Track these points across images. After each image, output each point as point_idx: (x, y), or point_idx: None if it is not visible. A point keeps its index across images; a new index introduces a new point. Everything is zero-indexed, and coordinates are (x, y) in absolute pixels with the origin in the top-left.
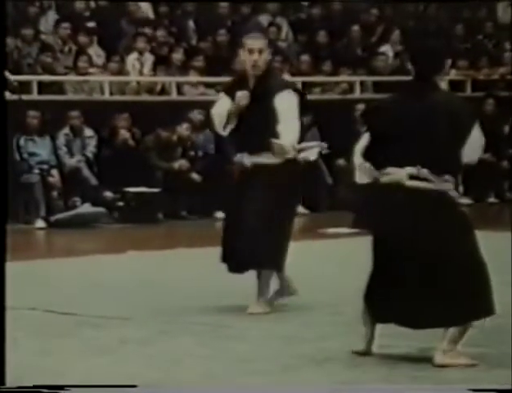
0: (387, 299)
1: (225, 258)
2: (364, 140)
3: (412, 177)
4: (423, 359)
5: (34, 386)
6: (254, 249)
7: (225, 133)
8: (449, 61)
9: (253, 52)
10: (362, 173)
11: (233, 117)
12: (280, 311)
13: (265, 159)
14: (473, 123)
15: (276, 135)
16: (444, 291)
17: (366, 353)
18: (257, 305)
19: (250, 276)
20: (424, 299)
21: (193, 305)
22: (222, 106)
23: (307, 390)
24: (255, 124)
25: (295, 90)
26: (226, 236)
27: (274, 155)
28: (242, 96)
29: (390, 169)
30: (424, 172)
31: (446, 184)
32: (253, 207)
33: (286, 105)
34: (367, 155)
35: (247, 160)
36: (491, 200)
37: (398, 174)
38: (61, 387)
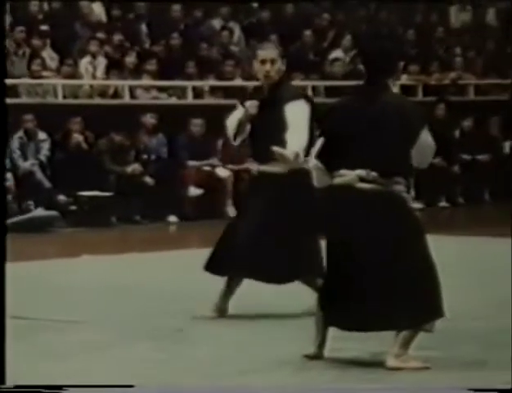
0: (340, 302)
1: (232, 266)
2: (319, 143)
3: (363, 179)
4: (374, 363)
5: (33, 386)
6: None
7: (236, 142)
8: (401, 64)
9: (266, 63)
10: (318, 176)
11: (243, 126)
12: (233, 316)
13: (272, 167)
14: (423, 126)
15: (283, 143)
16: (395, 293)
17: (317, 356)
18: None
19: (205, 280)
20: (376, 301)
21: (150, 310)
22: (235, 116)
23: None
24: (265, 133)
25: (307, 100)
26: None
27: (280, 164)
28: (251, 105)
29: (342, 171)
30: (373, 174)
31: (397, 186)
32: (256, 219)
33: (296, 114)
34: (321, 157)
35: (255, 167)
36: (443, 204)
37: (349, 176)
38: (59, 387)
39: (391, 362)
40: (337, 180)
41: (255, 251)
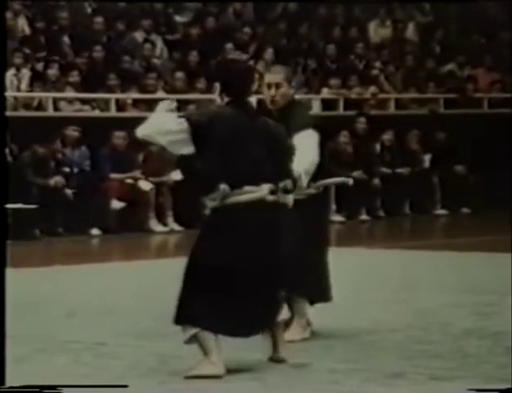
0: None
1: None
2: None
3: (273, 191)
4: None
5: (27, 386)
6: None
7: None
8: (254, 85)
9: (271, 87)
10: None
11: None
12: (157, 331)
13: None
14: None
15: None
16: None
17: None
18: None
19: (128, 294)
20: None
21: (70, 323)
22: None
23: None
24: None
25: (316, 128)
26: None
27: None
28: None
29: (248, 188)
30: (287, 183)
31: (288, 197)
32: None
33: (305, 144)
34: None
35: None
36: (363, 217)
37: (260, 191)
38: (53, 387)
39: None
40: (243, 197)
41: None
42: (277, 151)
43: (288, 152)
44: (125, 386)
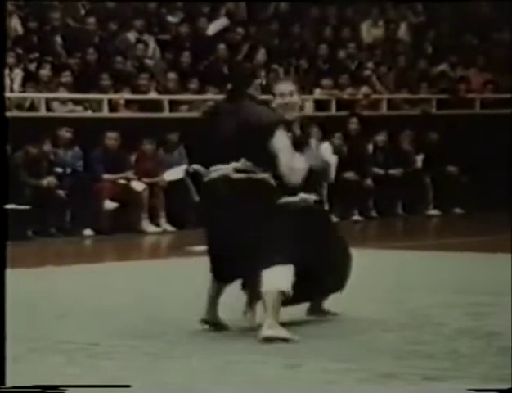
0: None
1: None
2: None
3: (237, 170)
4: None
5: (29, 386)
6: None
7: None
8: (257, 81)
9: (285, 96)
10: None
11: None
12: (149, 331)
13: None
14: (276, 127)
15: None
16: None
17: (211, 322)
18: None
19: (121, 294)
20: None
21: (63, 324)
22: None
23: None
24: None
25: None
26: None
27: None
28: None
29: (218, 166)
30: (249, 164)
31: (265, 174)
32: None
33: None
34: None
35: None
36: (356, 218)
37: (225, 169)
38: (55, 387)
39: (266, 332)
40: (213, 174)
41: None
42: (248, 133)
43: (257, 135)
44: (128, 386)
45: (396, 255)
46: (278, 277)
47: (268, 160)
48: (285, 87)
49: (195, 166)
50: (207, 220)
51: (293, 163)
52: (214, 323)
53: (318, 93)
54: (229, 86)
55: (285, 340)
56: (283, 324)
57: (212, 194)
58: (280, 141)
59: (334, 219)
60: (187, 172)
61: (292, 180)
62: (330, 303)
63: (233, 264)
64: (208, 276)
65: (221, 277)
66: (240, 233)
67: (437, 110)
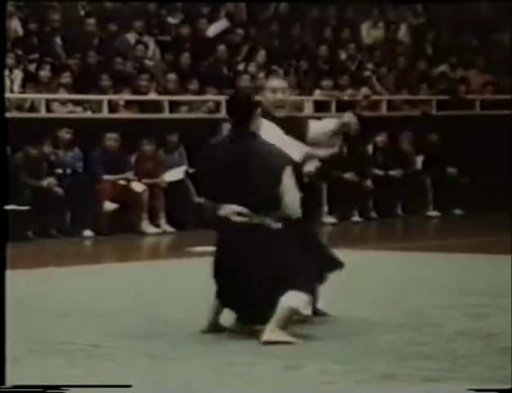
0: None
1: None
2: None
3: (239, 213)
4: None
5: (32, 386)
6: None
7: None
8: (258, 110)
9: (277, 92)
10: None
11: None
12: (149, 332)
13: None
14: (283, 168)
15: None
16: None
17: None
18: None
19: (120, 295)
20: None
21: (62, 325)
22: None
23: None
24: None
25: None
26: None
27: None
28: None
29: (224, 206)
30: (245, 210)
31: (266, 219)
32: None
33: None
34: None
35: None
36: (355, 219)
37: (227, 210)
38: (57, 387)
39: (267, 336)
40: (221, 212)
41: None
42: (254, 175)
43: (264, 178)
44: (129, 386)
45: (396, 256)
46: (295, 297)
47: (275, 203)
48: (278, 83)
49: (200, 200)
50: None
51: (297, 201)
52: (215, 329)
53: (318, 94)
54: (230, 119)
55: (284, 343)
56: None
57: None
58: (287, 182)
59: (334, 220)
60: (187, 173)
61: (294, 215)
62: (330, 303)
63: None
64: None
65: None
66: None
67: (437, 111)
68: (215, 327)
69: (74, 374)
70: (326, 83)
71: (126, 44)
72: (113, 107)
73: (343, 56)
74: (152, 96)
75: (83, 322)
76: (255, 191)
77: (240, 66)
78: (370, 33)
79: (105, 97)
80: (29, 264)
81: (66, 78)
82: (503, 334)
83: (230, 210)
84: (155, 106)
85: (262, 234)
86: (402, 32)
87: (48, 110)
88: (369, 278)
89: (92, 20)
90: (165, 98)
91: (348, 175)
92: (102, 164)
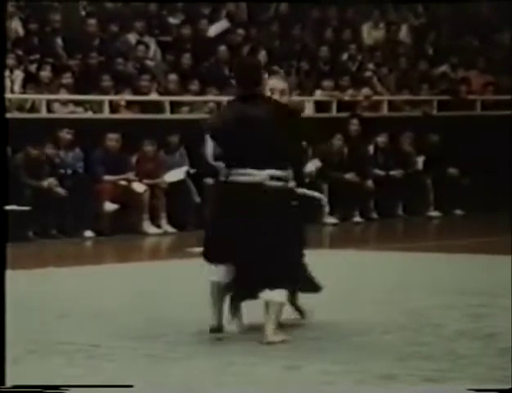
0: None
1: None
2: (210, 144)
3: (273, 177)
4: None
5: (32, 386)
6: None
7: None
8: (266, 75)
9: (275, 93)
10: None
11: None
12: (150, 332)
13: None
14: (300, 121)
15: None
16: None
17: (219, 329)
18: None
19: (121, 296)
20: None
21: (63, 325)
22: None
23: None
24: None
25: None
26: None
27: None
28: None
29: (248, 170)
30: (284, 173)
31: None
32: None
33: None
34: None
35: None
36: (357, 219)
37: (260, 176)
38: (57, 387)
39: (271, 337)
40: (241, 178)
41: None
42: (270, 138)
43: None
44: (130, 386)
45: (396, 256)
46: (281, 292)
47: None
48: (277, 83)
49: (215, 163)
50: (223, 222)
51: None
52: (220, 329)
53: (319, 95)
54: (239, 86)
55: (284, 341)
56: (281, 325)
57: (236, 197)
58: (301, 138)
59: (335, 220)
60: (188, 173)
61: (308, 170)
62: (330, 304)
63: (255, 276)
64: (208, 284)
65: (242, 290)
66: (266, 242)
67: (438, 111)
68: (219, 327)
69: (74, 374)
70: (327, 83)
71: (127, 45)
72: (114, 108)
73: (344, 56)
74: (153, 96)
75: (84, 322)
76: (271, 149)
77: None
78: (370, 33)
79: (106, 98)
80: (30, 264)
81: (67, 78)
82: (503, 334)
83: (263, 174)
84: (156, 107)
85: (275, 206)
86: (403, 32)
87: (49, 110)
88: (369, 278)
89: (92, 21)
90: (166, 99)
91: (349, 176)
92: (103, 164)
